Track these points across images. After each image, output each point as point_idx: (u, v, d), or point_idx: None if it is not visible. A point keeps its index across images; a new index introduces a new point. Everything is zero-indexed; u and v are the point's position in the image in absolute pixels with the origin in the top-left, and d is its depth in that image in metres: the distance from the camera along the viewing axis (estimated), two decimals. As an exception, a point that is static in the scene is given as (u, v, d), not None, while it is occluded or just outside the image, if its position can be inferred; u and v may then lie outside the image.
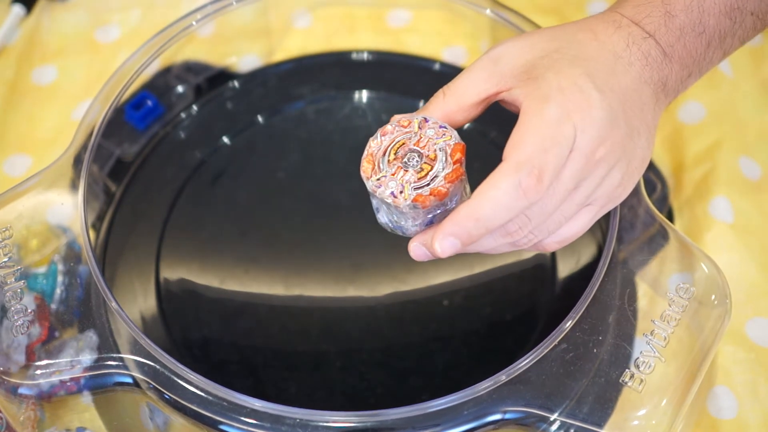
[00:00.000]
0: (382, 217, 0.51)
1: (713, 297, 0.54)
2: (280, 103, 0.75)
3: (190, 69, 0.76)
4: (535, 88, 0.47)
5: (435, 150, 0.48)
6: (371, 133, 0.72)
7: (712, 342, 0.52)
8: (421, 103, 0.74)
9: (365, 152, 0.50)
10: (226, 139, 0.73)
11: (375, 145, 0.50)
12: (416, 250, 0.49)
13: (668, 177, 0.72)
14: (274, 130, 0.74)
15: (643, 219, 0.58)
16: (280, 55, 0.81)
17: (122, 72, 0.66)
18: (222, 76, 0.77)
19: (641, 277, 0.57)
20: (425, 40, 0.82)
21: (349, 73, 0.77)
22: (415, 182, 0.48)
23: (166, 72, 0.75)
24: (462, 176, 0.48)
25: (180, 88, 0.75)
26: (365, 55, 0.78)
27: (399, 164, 0.48)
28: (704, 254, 0.56)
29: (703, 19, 0.51)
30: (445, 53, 0.82)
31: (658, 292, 0.56)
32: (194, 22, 0.69)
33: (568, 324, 0.52)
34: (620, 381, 0.52)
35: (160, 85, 0.74)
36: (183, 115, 0.74)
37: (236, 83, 0.77)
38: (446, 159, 0.48)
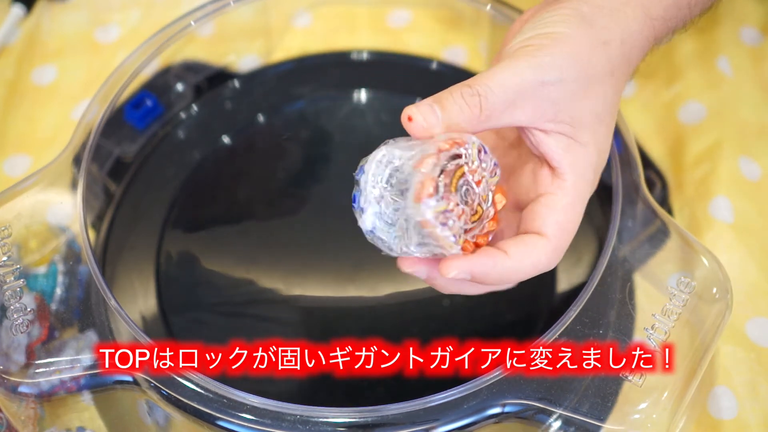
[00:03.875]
0: (371, 224, 0.46)
1: (714, 291, 0.54)
2: (280, 103, 0.75)
3: (190, 68, 0.76)
4: (576, 162, 0.47)
5: (488, 191, 0.45)
6: (371, 133, 0.73)
7: (713, 336, 0.53)
8: (421, 102, 0.74)
9: (422, 166, 0.42)
10: (225, 139, 0.73)
11: (432, 162, 0.42)
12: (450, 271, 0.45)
13: (668, 177, 0.72)
14: (274, 130, 0.74)
15: (644, 214, 0.58)
16: (280, 54, 0.81)
17: (121, 71, 0.66)
18: (222, 75, 0.77)
19: (642, 271, 0.57)
20: (425, 40, 0.82)
21: (349, 73, 0.77)
22: (470, 229, 0.44)
23: (165, 71, 0.75)
24: (499, 225, 0.46)
25: (179, 88, 0.75)
26: (365, 55, 0.78)
27: (456, 198, 0.43)
28: (705, 249, 0.56)
29: None
30: (445, 53, 0.82)
31: (658, 286, 0.56)
32: (193, 22, 0.69)
33: (568, 318, 0.52)
34: (621, 375, 0.52)
35: (159, 84, 0.74)
36: (182, 114, 0.74)
37: (236, 83, 0.77)
38: (490, 202, 0.45)
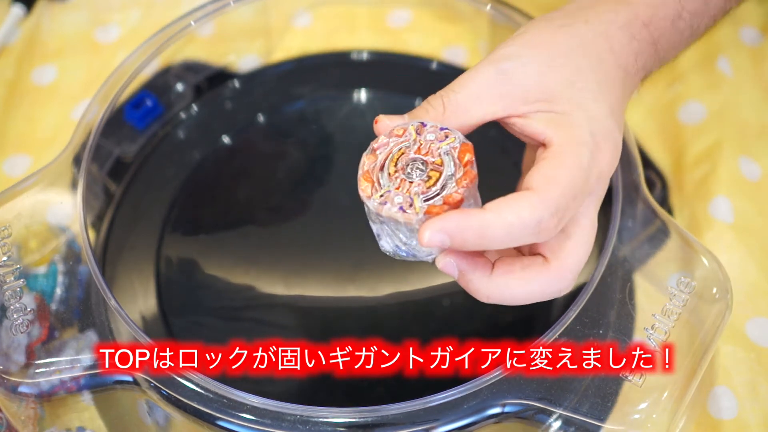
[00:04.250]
0: (387, 244, 0.47)
1: (714, 290, 0.54)
2: (280, 103, 0.75)
3: (190, 68, 0.76)
4: (567, 128, 0.46)
5: (440, 155, 0.45)
6: (371, 133, 0.73)
7: (713, 336, 0.53)
8: (419, 102, 0.74)
9: (360, 170, 0.46)
10: (225, 139, 0.73)
11: (369, 161, 0.45)
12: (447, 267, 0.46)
13: (668, 177, 0.72)
14: (274, 130, 0.74)
15: (644, 214, 0.58)
16: (280, 54, 0.81)
17: (121, 71, 0.66)
18: (222, 75, 0.77)
19: (642, 271, 0.57)
20: (425, 40, 0.82)
21: (349, 73, 0.77)
22: (424, 192, 0.44)
23: (165, 71, 0.75)
24: (475, 179, 0.44)
25: (179, 88, 0.75)
26: (365, 55, 0.78)
27: (402, 176, 0.45)
28: (705, 248, 0.56)
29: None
30: (445, 53, 0.82)
31: (658, 286, 0.56)
32: (193, 22, 0.69)
33: (568, 317, 0.52)
34: (621, 375, 0.52)
35: (159, 84, 0.74)
36: (183, 114, 0.74)
37: (236, 83, 0.77)
38: (454, 163, 0.45)
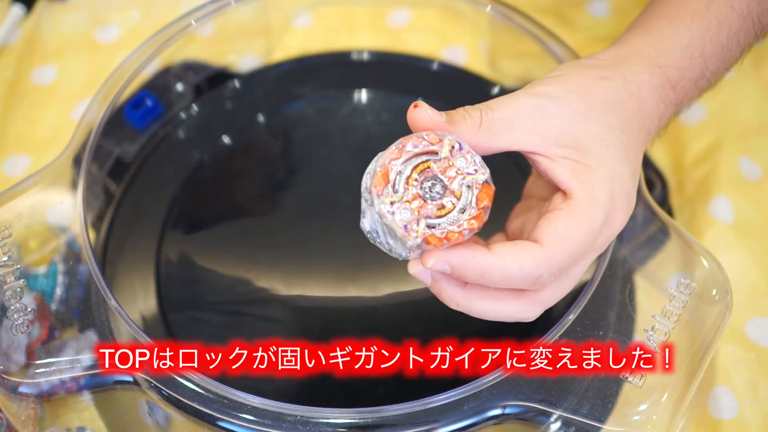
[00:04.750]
0: (368, 225, 0.46)
1: (714, 292, 0.54)
2: (280, 103, 0.75)
3: (190, 68, 0.76)
4: (589, 185, 0.46)
5: (462, 186, 0.44)
6: (371, 133, 0.73)
7: (713, 337, 0.53)
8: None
9: (380, 162, 0.44)
10: (225, 139, 0.73)
11: (392, 156, 0.44)
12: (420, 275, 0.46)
13: (668, 177, 0.72)
14: (274, 130, 0.74)
15: (644, 215, 0.58)
16: (280, 54, 0.81)
17: (121, 71, 0.66)
18: (222, 75, 0.77)
19: (642, 272, 0.57)
20: (425, 40, 0.82)
21: (349, 73, 0.77)
22: (430, 217, 0.43)
23: (165, 71, 0.75)
24: (482, 224, 0.44)
25: (179, 88, 0.75)
26: (365, 55, 0.78)
27: (418, 191, 0.44)
28: (705, 250, 0.56)
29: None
30: (445, 53, 0.82)
31: (658, 287, 0.56)
32: (193, 22, 0.69)
33: (568, 319, 0.52)
34: (621, 376, 0.52)
35: (159, 84, 0.74)
36: (183, 114, 0.74)
37: (236, 83, 0.77)
38: (471, 200, 0.44)
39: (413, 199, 0.43)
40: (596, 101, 0.48)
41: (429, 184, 0.44)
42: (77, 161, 0.61)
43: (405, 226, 0.43)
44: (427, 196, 0.44)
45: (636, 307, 0.56)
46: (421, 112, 0.46)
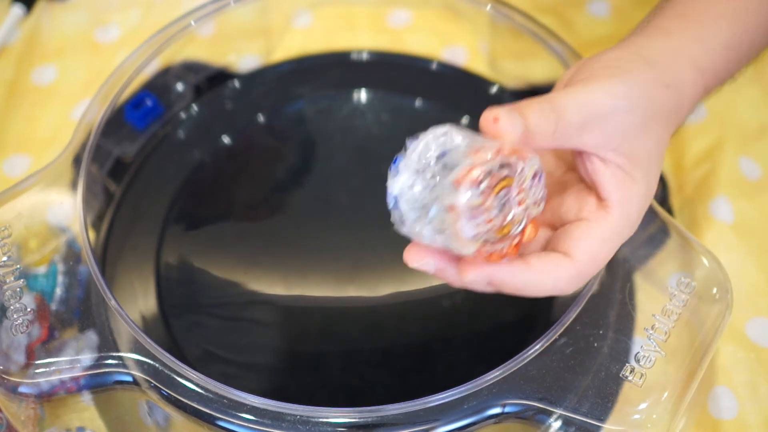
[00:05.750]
0: (413, 198, 0.43)
1: (714, 291, 0.54)
2: (280, 103, 0.75)
3: (190, 68, 0.76)
4: (628, 200, 0.46)
5: (524, 216, 0.43)
6: (371, 133, 0.73)
7: (713, 336, 0.53)
8: (419, 102, 0.74)
9: (470, 160, 0.41)
10: (225, 139, 0.73)
11: (485, 161, 0.41)
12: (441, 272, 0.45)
13: (668, 177, 0.72)
14: (274, 130, 0.74)
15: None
16: (280, 54, 0.81)
17: (121, 71, 0.66)
18: (221, 75, 0.77)
19: (642, 271, 0.57)
20: (425, 40, 0.82)
21: (349, 73, 0.77)
22: (488, 231, 0.42)
23: (165, 71, 0.75)
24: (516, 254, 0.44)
25: (179, 88, 0.75)
26: (365, 55, 0.78)
27: (490, 202, 0.42)
28: (705, 249, 0.56)
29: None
30: (445, 53, 0.82)
31: (658, 286, 0.56)
32: (193, 22, 0.69)
33: (568, 318, 0.52)
34: (621, 375, 0.52)
35: (159, 84, 0.74)
36: (183, 114, 0.74)
37: (236, 83, 0.77)
38: (521, 230, 0.44)
39: (488, 209, 0.42)
40: (658, 113, 0.47)
41: (502, 201, 0.43)
42: (77, 161, 0.61)
43: (475, 235, 0.42)
44: (501, 214, 0.43)
45: (636, 306, 0.56)
46: (502, 127, 0.43)
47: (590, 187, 0.47)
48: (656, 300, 0.54)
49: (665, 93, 0.48)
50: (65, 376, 0.54)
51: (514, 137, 0.43)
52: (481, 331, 0.62)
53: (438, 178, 0.42)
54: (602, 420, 0.51)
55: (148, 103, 0.73)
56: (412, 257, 0.45)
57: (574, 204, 0.48)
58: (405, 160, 0.43)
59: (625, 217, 0.46)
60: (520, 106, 0.44)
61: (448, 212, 0.41)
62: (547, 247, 0.47)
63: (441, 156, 0.43)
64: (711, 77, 0.51)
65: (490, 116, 0.42)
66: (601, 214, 0.46)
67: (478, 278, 0.44)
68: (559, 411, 0.52)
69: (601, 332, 0.54)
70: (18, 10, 0.84)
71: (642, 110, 0.46)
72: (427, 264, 0.45)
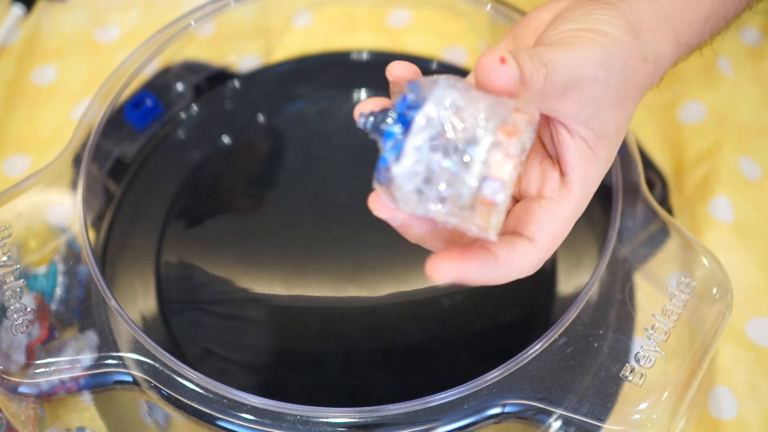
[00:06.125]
0: (405, 173, 0.39)
1: (714, 291, 0.54)
2: (280, 103, 0.75)
3: (190, 68, 0.76)
4: (587, 177, 0.45)
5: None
6: (371, 133, 0.73)
7: (713, 336, 0.53)
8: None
9: (510, 139, 0.38)
10: (225, 139, 0.73)
11: (517, 140, 0.38)
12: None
13: (668, 177, 0.72)
14: (274, 130, 0.74)
15: (644, 214, 0.58)
16: (280, 54, 0.81)
17: (121, 71, 0.66)
18: (222, 75, 0.77)
19: (642, 271, 0.57)
20: (425, 40, 0.82)
21: (349, 73, 0.77)
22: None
23: (165, 71, 0.75)
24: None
25: (179, 88, 0.75)
26: (365, 55, 0.78)
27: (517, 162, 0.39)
28: (705, 249, 0.56)
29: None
30: (445, 53, 0.82)
31: (658, 286, 0.56)
32: (193, 22, 0.69)
33: (568, 318, 0.52)
34: (621, 375, 0.52)
35: (159, 84, 0.74)
36: (183, 114, 0.74)
37: (236, 83, 0.77)
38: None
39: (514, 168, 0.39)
40: (632, 88, 0.45)
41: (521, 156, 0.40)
42: (77, 161, 0.61)
43: (498, 221, 0.39)
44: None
45: (636, 306, 0.56)
46: (506, 75, 0.39)
47: (553, 160, 0.46)
48: (656, 300, 0.54)
49: (643, 67, 0.46)
50: (65, 376, 0.54)
51: (513, 88, 0.39)
52: (481, 331, 0.62)
53: (454, 159, 0.38)
54: (602, 420, 0.51)
55: (148, 103, 0.73)
56: (380, 207, 0.43)
57: (537, 177, 0.46)
58: (410, 131, 0.39)
59: (584, 197, 0.45)
60: (514, 53, 0.40)
61: (482, 206, 0.39)
62: (509, 225, 0.45)
63: (454, 127, 0.38)
64: (684, 50, 0.49)
65: (495, 56, 0.39)
66: (563, 193, 0.45)
67: (447, 278, 0.42)
68: (559, 411, 0.52)
69: (601, 332, 0.54)
70: (18, 10, 0.84)
71: (619, 84, 0.44)
72: (395, 218, 0.44)
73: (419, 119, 0.39)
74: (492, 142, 0.38)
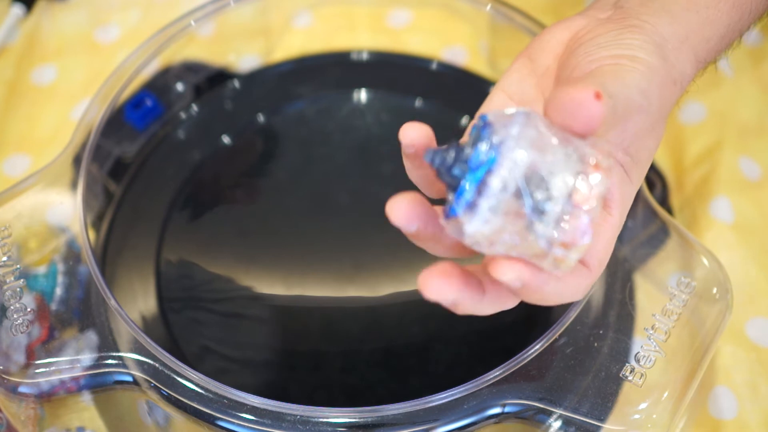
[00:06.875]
0: (481, 223, 0.37)
1: (714, 291, 0.54)
2: (280, 103, 0.75)
3: (190, 68, 0.76)
4: (624, 200, 0.44)
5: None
6: (371, 133, 0.73)
7: (713, 336, 0.53)
8: (419, 102, 0.74)
9: (592, 191, 0.37)
10: (225, 139, 0.73)
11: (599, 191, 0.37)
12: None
13: (668, 177, 0.72)
14: (274, 130, 0.74)
15: (644, 214, 0.58)
16: (280, 54, 0.81)
17: (121, 71, 0.66)
18: (222, 75, 0.77)
19: (642, 271, 0.57)
20: (425, 40, 0.82)
21: (349, 73, 0.77)
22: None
23: (165, 71, 0.75)
24: None
25: (179, 88, 0.75)
26: (365, 55, 0.78)
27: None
28: (705, 248, 0.56)
29: None
30: (445, 53, 0.82)
31: (659, 286, 0.56)
32: (193, 22, 0.69)
33: (568, 318, 0.52)
34: (621, 375, 0.52)
35: (159, 84, 0.74)
36: (183, 114, 0.74)
37: (236, 83, 0.77)
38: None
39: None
40: (665, 113, 0.45)
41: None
42: (77, 161, 0.61)
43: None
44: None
45: (636, 306, 0.56)
46: (600, 110, 0.36)
47: None
48: (656, 300, 0.54)
49: (673, 90, 0.45)
50: (65, 376, 0.54)
51: (598, 127, 0.37)
52: (481, 331, 0.62)
53: (534, 210, 0.37)
54: (602, 420, 0.51)
55: (148, 103, 0.73)
56: (397, 215, 0.40)
57: None
58: (486, 199, 0.36)
59: (621, 218, 0.44)
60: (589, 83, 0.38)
61: (555, 261, 0.38)
62: None
63: (534, 175, 0.36)
64: (703, 66, 0.49)
65: (589, 91, 0.36)
66: (604, 217, 0.44)
67: (515, 277, 0.39)
68: (559, 411, 0.52)
69: (601, 332, 0.54)
70: (18, 10, 0.84)
71: (655, 110, 0.43)
72: (409, 227, 0.41)
73: (494, 183, 0.36)
74: (567, 193, 0.36)
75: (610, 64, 0.42)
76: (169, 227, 0.67)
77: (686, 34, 0.46)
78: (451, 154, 0.38)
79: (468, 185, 0.37)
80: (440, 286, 0.40)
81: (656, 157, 0.73)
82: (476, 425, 0.52)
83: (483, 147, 0.37)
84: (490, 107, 0.48)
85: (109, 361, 0.54)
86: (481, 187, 0.37)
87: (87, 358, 0.54)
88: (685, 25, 0.46)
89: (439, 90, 0.76)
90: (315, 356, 0.62)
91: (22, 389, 0.54)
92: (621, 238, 0.57)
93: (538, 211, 0.37)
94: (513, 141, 0.36)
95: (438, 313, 0.63)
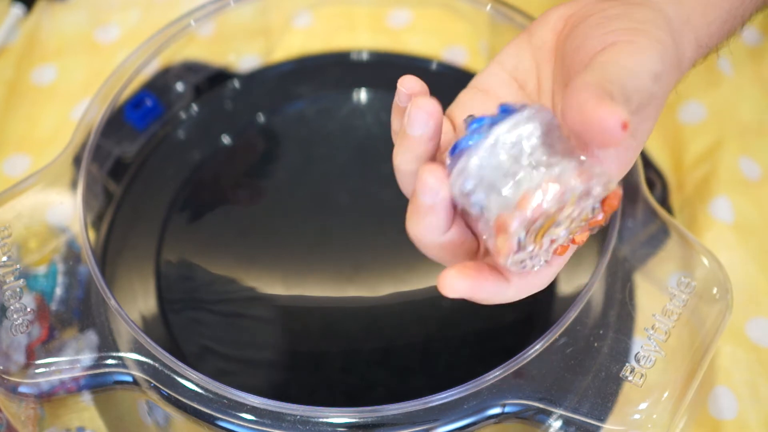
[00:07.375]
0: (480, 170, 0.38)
1: (714, 290, 0.54)
2: (280, 103, 0.75)
3: (190, 68, 0.76)
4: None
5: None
6: (371, 133, 0.73)
7: (713, 336, 0.53)
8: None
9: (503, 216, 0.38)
10: (225, 139, 0.73)
11: (519, 218, 0.38)
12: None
13: (668, 177, 0.72)
14: (274, 130, 0.74)
15: (644, 214, 0.58)
16: (280, 54, 0.81)
17: (121, 71, 0.66)
18: (222, 75, 0.77)
19: (642, 271, 0.57)
20: (425, 40, 0.82)
21: (349, 73, 0.77)
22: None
23: (165, 71, 0.75)
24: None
25: (179, 88, 0.75)
26: (365, 55, 0.78)
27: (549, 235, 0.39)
28: (705, 248, 0.56)
29: None
30: (445, 53, 0.82)
31: (659, 286, 0.56)
32: (193, 22, 0.69)
33: (568, 318, 0.52)
34: (621, 375, 0.52)
35: (159, 84, 0.74)
36: (183, 114, 0.74)
37: (236, 83, 0.77)
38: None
39: (539, 243, 0.40)
40: (666, 93, 0.44)
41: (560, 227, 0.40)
42: (77, 161, 0.61)
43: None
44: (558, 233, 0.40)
45: (636, 306, 0.56)
46: (620, 137, 0.36)
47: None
48: (656, 300, 0.54)
49: (676, 74, 0.44)
50: (65, 376, 0.54)
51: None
52: (481, 331, 0.62)
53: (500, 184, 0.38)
54: (602, 420, 0.51)
55: (148, 103, 0.73)
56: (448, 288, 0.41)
57: None
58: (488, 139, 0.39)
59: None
60: (610, 96, 0.37)
61: (497, 225, 0.39)
62: None
63: (530, 154, 0.38)
64: (703, 52, 0.48)
65: (617, 119, 0.35)
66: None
67: (459, 292, 0.40)
68: (559, 411, 0.51)
69: (601, 332, 0.54)
70: (18, 10, 0.84)
71: (663, 95, 0.43)
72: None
73: (501, 129, 0.39)
74: (547, 179, 0.37)
75: (625, 40, 0.41)
76: (169, 227, 0.67)
77: (688, 16, 0.45)
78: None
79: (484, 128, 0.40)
80: (459, 283, 0.41)
81: (656, 157, 0.73)
82: (476, 425, 0.52)
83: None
84: (483, 77, 0.49)
85: (109, 361, 0.54)
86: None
87: (87, 358, 0.54)
88: (687, 6, 0.46)
89: (439, 90, 0.76)
90: (315, 356, 0.62)
91: (22, 389, 0.54)
92: (621, 238, 0.57)
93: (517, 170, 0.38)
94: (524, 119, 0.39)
95: (438, 313, 0.63)
